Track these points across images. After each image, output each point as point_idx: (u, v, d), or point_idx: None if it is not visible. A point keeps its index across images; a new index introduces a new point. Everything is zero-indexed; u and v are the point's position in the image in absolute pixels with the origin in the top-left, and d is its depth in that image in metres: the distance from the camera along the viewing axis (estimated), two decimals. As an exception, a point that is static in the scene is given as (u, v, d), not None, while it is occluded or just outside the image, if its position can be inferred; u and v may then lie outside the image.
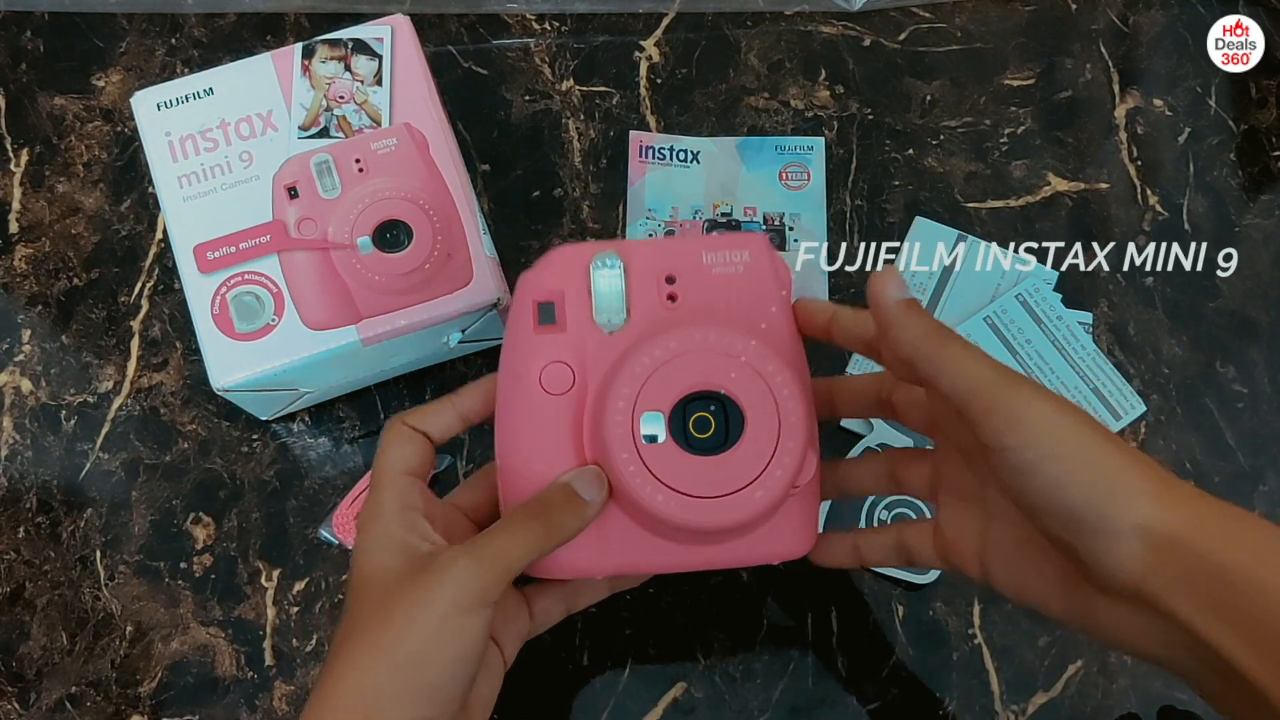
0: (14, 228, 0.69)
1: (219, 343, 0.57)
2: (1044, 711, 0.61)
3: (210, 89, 0.60)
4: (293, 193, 0.58)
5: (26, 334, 0.67)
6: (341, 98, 0.60)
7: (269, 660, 0.61)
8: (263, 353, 0.57)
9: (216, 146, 0.59)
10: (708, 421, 0.45)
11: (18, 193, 0.69)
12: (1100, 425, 0.40)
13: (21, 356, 0.66)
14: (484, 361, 0.66)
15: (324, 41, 0.61)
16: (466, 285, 0.58)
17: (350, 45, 0.61)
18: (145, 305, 0.67)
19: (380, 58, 0.61)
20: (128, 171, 0.70)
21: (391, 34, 0.61)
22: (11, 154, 0.70)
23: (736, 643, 0.61)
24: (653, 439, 0.44)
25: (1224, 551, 0.37)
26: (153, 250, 0.68)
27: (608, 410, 0.45)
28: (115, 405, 0.65)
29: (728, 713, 0.60)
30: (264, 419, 0.64)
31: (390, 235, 0.58)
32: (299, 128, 0.60)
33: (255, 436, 0.65)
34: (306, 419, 0.65)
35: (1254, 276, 0.69)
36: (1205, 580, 0.37)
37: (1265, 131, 0.72)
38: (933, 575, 0.62)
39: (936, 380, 0.42)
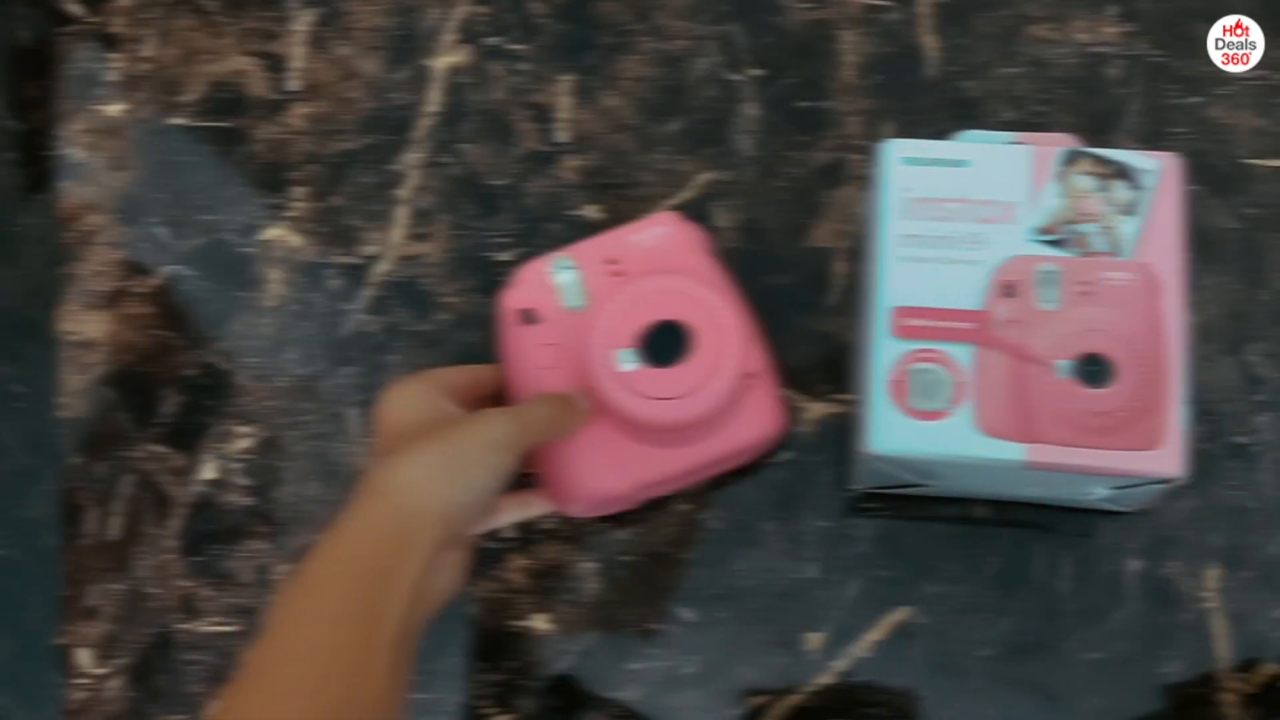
0: (294, 85, 0.70)
1: (887, 409, 0.55)
2: (1274, 684, 0.60)
3: (965, 161, 0.58)
4: (1010, 291, 0.56)
5: (299, 191, 0.69)
6: (1088, 215, 0.57)
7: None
8: (930, 435, 0.55)
9: (951, 219, 0.57)
10: (666, 342, 0.57)
11: (300, 52, 0.71)
12: None
13: (294, 212, 0.69)
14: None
15: (1091, 155, 0.58)
16: (1152, 449, 0.54)
17: (1115, 168, 0.58)
18: (414, 176, 0.69)
19: (1142, 190, 0.58)
20: (406, 40, 0.71)
21: (1160, 170, 0.58)
22: (295, 15, 0.72)
23: (968, 573, 0.62)
24: (628, 366, 0.56)
25: None
26: (423, 122, 0.69)
27: (591, 357, 0.57)
28: (378, 269, 0.67)
29: (949, 642, 0.61)
30: (850, 486, 0.64)
31: (1092, 369, 0.55)
32: (1035, 229, 0.57)
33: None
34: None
35: None
36: None
37: None
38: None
39: None
